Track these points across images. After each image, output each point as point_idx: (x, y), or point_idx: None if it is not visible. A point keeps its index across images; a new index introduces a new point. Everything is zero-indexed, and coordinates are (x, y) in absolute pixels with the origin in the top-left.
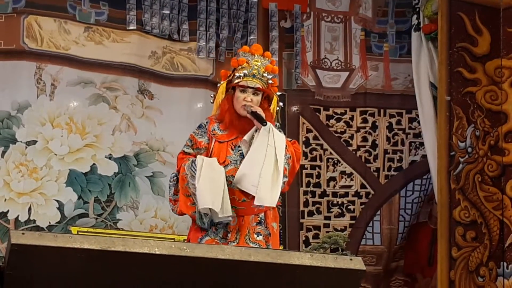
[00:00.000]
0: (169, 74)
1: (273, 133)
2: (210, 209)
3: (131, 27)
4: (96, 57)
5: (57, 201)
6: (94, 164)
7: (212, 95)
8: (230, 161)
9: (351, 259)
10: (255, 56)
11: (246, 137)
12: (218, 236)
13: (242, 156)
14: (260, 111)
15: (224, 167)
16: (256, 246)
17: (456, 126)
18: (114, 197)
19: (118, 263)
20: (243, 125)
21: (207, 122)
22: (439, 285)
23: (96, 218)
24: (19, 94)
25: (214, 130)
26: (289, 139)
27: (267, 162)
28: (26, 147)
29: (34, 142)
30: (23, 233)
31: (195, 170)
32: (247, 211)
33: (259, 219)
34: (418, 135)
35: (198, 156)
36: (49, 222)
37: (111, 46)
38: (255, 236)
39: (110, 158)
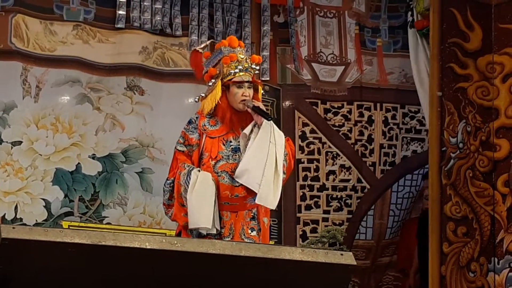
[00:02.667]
0: (160, 70)
1: (274, 130)
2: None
3: (120, 25)
4: (83, 56)
5: (43, 199)
6: (79, 163)
7: (201, 94)
8: (222, 156)
9: (341, 254)
10: (236, 49)
11: (246, 131)
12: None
13: (234, 151)
14: (262, 105)
15: (215, 162)
16: (250, 241)
17: (447, 121)
18: (99, 196)
19: (109, 258)
20: (242, 120)
21: (197, 118)
22: (430, 280)
23: (81, 217)
24: (6, 94)
25: (205, 125)
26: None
27: (269, 161)
28: (11, 147)
29: (20, 142)
30: (13, 228)
31: (188, 184)
32: (239, 207)
33: (252, 214)
34: (410, 130)
35: (193, 172)
36: (36, 220)
37: (96, 46)
38: (249, 231)
39: (93, 158)
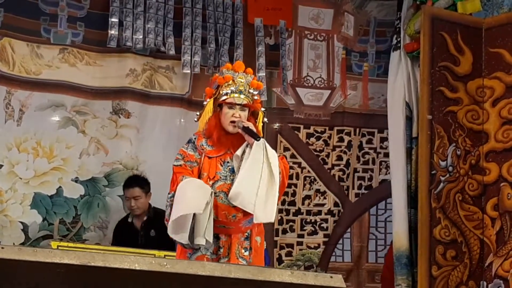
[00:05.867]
0: (147, 92)
1: (267, 149)
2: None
3: (112, 45)
4: (69, 80)
5: (21, 222)
6: (60, 187)
7: (197, 114)
8: (220, 177)
9: (331, 277)
10: (239, 73)
11: (238, 152)
12: (209, 251)
13: (232, 171)
14: (251, 126)
15: (213, 182)
16: (244, 261)
17: (437, 145)
18: (80, 218)
19: (98, 279)
20: (232, 141)
21: (195, 138)
22: None
23: (61, 239)
24: None
25: (203, 145)
26: (278, 155)
27: (262, 181)
28: None
29: (0, 166)
30: (2, 248)
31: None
32: (234, 230)
33: (247, 234)
34: (388, 154)
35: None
36: (13, 244)
37: (83, 69)
38: (243, 251)
39: (76, 181)
